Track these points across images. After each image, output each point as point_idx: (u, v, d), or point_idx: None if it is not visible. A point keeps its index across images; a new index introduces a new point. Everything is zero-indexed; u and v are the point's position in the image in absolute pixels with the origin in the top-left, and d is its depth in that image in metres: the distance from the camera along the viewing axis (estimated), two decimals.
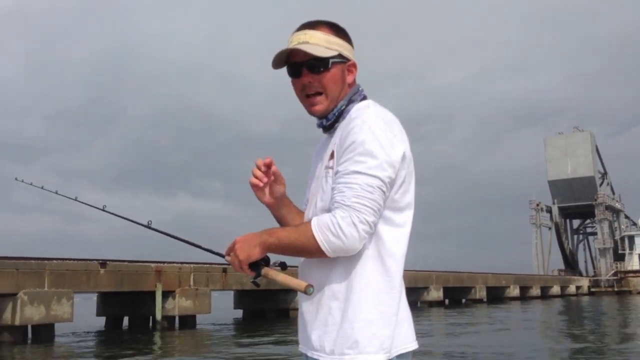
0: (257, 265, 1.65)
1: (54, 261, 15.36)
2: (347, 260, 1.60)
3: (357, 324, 1.58)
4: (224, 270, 19.86)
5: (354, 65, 1.74)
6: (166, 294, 17.87)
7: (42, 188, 3.07)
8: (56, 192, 2.88)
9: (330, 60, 1.69)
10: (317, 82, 1.70)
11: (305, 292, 1.60)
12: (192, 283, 18.69)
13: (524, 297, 45.71)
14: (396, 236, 1.65)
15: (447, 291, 36.20)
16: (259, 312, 23.83)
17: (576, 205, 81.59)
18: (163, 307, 17.82)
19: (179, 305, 18.03)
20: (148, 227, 2.03)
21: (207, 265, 19.43)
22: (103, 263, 16.37)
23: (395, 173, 1.60)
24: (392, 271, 1.63)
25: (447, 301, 37.09)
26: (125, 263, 17.22)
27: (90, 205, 2.39)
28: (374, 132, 1.58)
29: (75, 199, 2.61)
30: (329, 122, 1.72)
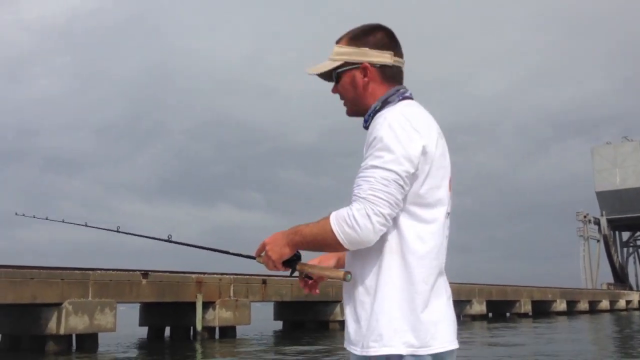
0: (290, 262, 1.74)
1: (98, 271, 15.65)
2: (377, 255, 1.66)
3: (381, 317, 1.64)
4: (264, 282, 19.92)
5: (366, 67, 1.81)
6: (206, 305, 18.00)
7: (46, 219, 3.12)
8: (63, 221, 2.97)
9: (334, 73, 1.84)
10: (338, 91, 1.87)
11: (344, 279, 1.67)
12: (232, 294, 18.78)
13: (570, 311, 44.39)
14: (420, 232, 1.67)
15: (491, 305, 35.49)
16: (299, 323, 23.79)
17: (626, 217, 79.11)
18: (203, 317, 17.94)
19: (219, 316, 18.13)
20: (169, 241, 2.11)
21: (247, 277, 19.51)
22: (145, 273, 16.60)
23: (414, 167, 1.64)
24: (412, 267, 1.65)
25: (490, 315, 36.36)
26: (167, 274, 17.43)
27: (103, 229, 2.47)
28: (393, 128, 1.64)
29: (85, 225, 2.67)
30: (366, 123, 1.80)
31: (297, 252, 1.73)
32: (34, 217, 3.29)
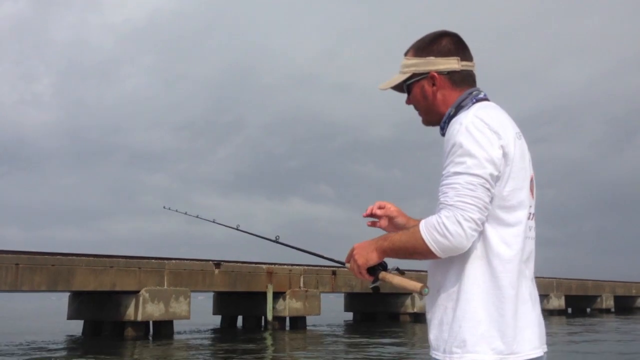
0: (374, 270, 1.75)
1: (173, 261, 16.20)
2: (460, 261, 1.66)
3: (465, 322, 1.63)
4: (334, 273, 20.02)
5: (433, 76, 1.83)
6: (277, 295, 18.29)
7: (185, 214, 3.48)
8: (197, 217, 3.27)
9: (404, 85, 1.88)
10: (410, 102, 1.91)
11: (420, 292, 1.67)
12: (302, 285, 19.00)
13: None
14: (504, 236, 1.66)
15: (570, 299, 34.22)
16: (370, 315, 23.78)
17: None
18: (274, 307, 18.25)
19: (290, 306, 18.39)
20: (276, 241, 2.26)
21: (317, 268, 19.67)
22: (218, 264, 17.04)
23: (497, 170, 1.63)
24: (497, 272, 1.64)
25: (569, 310, 35.08)
26: (239, 264, 17.83)
27: (226, 226, 2.78)
28: (471, 132, 1.63)
29: (214, 221, 2.90)
30: (443, 130, 1.81)
31: (383, 262, 1.75)
32: (186, 214, 3.65)
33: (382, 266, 1.76)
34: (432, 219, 1.62)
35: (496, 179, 1.64)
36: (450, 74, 1.82)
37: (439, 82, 1.82)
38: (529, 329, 1.67)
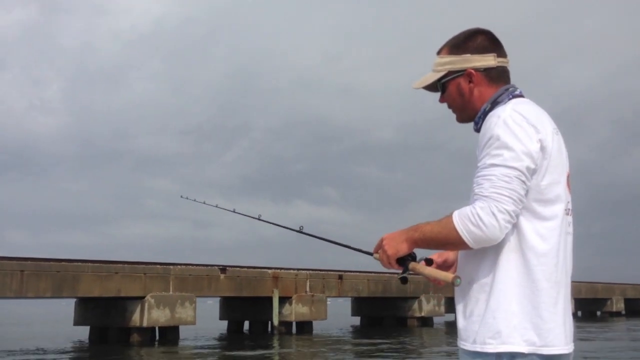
0: (404, 261, 1.74)
1: (178, 266, 16.18)
2: (494, 253, 1.65)
3: (498, 314, 1.62)
4: (340, 277, 19.93)
5: (470, 73, 1.82)
6: (283, 300, 18.22)
7: (204, 203, 3.47)
8: (216, 206, 3.25)
9: (439, 83, 1.87)
10: (445, 100, 1.90)
11: (452, 283, 1.66)
12: (308, 289, 18.92)
13: None
14: (540, 229, 1.66)
15: (579, 303, 33.96)
16: (377, 319, 23.66)
17: None
18: (280, 312, 18.18)
19: (296, 311, 18.31)
20: (300, 232, 2.25)
21: (323, 272, 19.60)
22: (223, 269, 17.00)
23: (534, 163, 1.63)
24: (531, 265, 1.64)
25: (579, 313, 34.79)
26: (244, 269, 17.78)
27: (247, 216, 2.74)
28: (508, 125, 1.64)
29: (234, 211, 2.89)
30: (477, 125, 1.81)
31: (413, 252, 1.74)
32: (204, 203, 3.63)
33: (412, 257, 1.75)
34: (467, 209, 1.62)
35: (533, 172, 1.64)
36: (487, 71, 1.83)
37: (476, 79, 1.83)
38: (562, 324, 1.67)
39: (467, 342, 1.68)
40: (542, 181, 1.67)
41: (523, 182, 1.61)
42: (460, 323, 1.73)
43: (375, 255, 1.80)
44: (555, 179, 1.69)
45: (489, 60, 1.83)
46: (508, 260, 1.65)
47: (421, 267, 1.76)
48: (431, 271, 1.74)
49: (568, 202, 1.75)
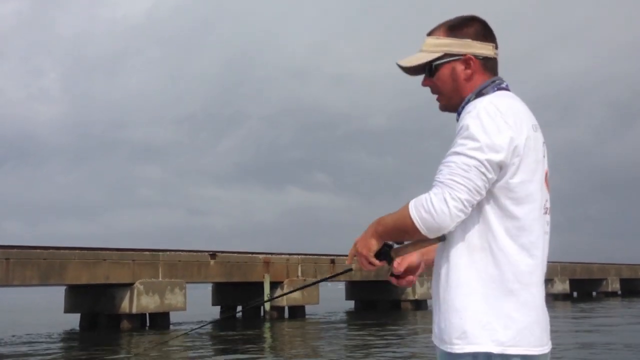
0: (384, 254, 1.71)
1: (167, 252, 16.11)
2: (464, 252, 1.64)
3: (464, 313, 1.60)
4: (332, 262, 19.90)
5: (470, 59, 1.77)
6: (275, 285, 18.19)
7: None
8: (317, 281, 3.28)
9: (433, 64, 1.79)
10: (432, 84, 1.82)
11: (440, 240, 1.66)
12: (300, 274, 18.88)
13: None
14: (510, 228, 1.64)
15: (575, 283, 34.02)
16: (371, 303, 23.68)
17: None
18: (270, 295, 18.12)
19: (288, 295, 18.27)
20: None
21: (315, 257, 19.55)
22: (213, 254, 16.94)
23: (499, 157, 1.59)
24: (501, 264, 1.62)
25: (575, 294, 34.87)
26: (235, 254, 17.71)
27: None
28: (480, 117, 1.62)
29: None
30: (458, 114, 1.76)
31: (386, 243, 1.71)
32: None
33: (388, 246, 1.72)
34: (422, 196, 1.61)
35: (497, 166, 1.60)
36: (485, 60, 1.79)
37: (474, 66, 1.77)
38: (537, 324, 1.64)
39: (438, 341, 1.67)
40: (512, 179, 1.63)
41: (482, 173, 1.58)
42: (435, 323, 1.71)
43: (353, 265, 1.76)
44: (528, 177, 1.65)
45: (488, 50, 1.79)
46: (477, 259, 1.63)
47: (404, 246, 1.72)
48: (414, 245, 1.70)
49: (546, 200, 1.72)
